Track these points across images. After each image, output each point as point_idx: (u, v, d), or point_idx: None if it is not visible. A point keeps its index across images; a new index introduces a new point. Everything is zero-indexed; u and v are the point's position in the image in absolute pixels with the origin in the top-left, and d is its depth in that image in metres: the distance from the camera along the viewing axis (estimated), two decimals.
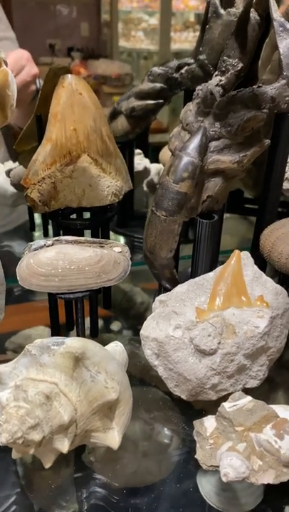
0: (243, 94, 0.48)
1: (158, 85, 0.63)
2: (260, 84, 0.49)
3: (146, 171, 0.82)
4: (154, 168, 0.84)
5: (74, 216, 0.59)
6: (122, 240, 0.77)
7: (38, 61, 0.76)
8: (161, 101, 0.64)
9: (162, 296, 0.48)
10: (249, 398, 0.40)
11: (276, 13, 0.49)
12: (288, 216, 0.64)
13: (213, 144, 0.49)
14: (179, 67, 0.66)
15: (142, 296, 0.73)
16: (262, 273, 0.49)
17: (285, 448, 0.36)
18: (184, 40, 3.38)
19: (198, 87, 0.51)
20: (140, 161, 0.82)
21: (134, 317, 0.69)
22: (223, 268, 0.49)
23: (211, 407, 0.45)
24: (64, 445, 0.37)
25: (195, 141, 0.48)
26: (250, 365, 0.46)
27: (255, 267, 0.49)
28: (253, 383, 0.47)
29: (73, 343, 0.38)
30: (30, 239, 0.79)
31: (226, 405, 0.40)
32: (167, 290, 0.52)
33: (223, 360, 0.44)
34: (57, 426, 0.36)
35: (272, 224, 0.55)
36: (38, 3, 3.50)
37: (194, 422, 0.42)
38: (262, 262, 0.53)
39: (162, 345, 0.45)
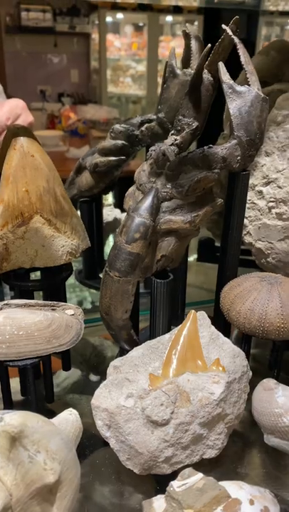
0: (194, 155, 0.48)
1: (119, 142, 0.64)
2: (211, 145, 0.49)
3: (116, 222, 0.82)
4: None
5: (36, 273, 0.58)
6: (87, 294, 0.76)
7: (29, 106, 0.79)
8: (123, 157, 0.65)
9: (116, 361, 0.47)
10: (200, 476, 0.38)
11: (225, 75, 0.50)
12: (254, 264, 0.63)
13: (165, 205, 0.48)
14: (142, 123, 0.67)
15: (113, 351, 0.71)
16: (219, 334, 0.48)
17: None
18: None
19: (152, 148, 0.51)
20: (110, 212, 0.82)
21: (103, 373, 0.66)
22: (179, 330, 0.47)
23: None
24: None
25: (147, 202, 0.48)
26: (207, 434, 0.44)
27: (212, 327, 0.48)
28: (210, 453, 0.44)
29: (12, 420, 0.36)
30: None
31: (175, 484, 0.37)
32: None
33: (176, 430, 0.42)
34: None
35: (232, 280, 0.54)
36: (30, 53, 3.64)
37: (143, 502, 0.39)
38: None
39: (113, 415, 0.43)
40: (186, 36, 0.60)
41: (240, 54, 0.51)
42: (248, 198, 0.61)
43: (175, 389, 0.43)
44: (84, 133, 2.95)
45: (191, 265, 0.96)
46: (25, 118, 0.83)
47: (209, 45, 0.53)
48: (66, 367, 0.57)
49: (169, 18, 3.62)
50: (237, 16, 0.51)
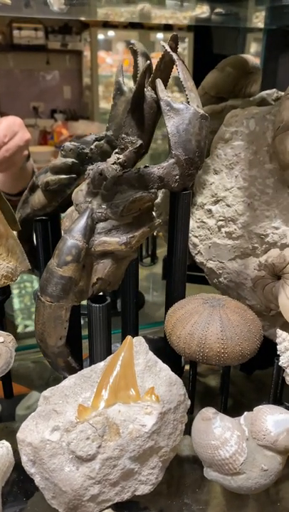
0: (129, 174, 0.47)
1: (69, 160, 0.62)
2: (147, 165, 0.47)
3: None
4: None
5: None
6: None
7: None
8: (74, 175, 0.63)
9: (47, 391, 0.44)
10: None
11: (162, 92, 0.49)
12: (205, 279, 0.61)
13: (100, 226, 0.47)
14: (96, 141, 0.66)
15: None
16: (157, 361, 0.46)
17: None
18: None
19: (89, 167, 0.49)
20: None
21: None
22: (113, 357, 0.45)
23: None
24: None
25: (80, 223, 0.46)
26: (139, 469, 0.41)
27: (150, 353, 0.46)
28: (144, 489, 0.42)
29: None
30: None
31: None
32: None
33: (103, 466, 0.40)
34: None
35: (178, 302, 0.52)
36: (23, 71, 3.67)
37: None
38: None
39: (37, 450, 0.40)
40: (134, 53, 0.59)
41: (178, 71, 0.50)
42: (198, 217, 0.59)
43: (104, 421, 0.40)
44: None
45: (160, 283, 0.94)
46: (22, 136, 0.83)
47: (148, 61, 0.52)
48: (7, 394, 0.55)
49: (160, 35, 3.65)
50: (175, 33, 0.50)
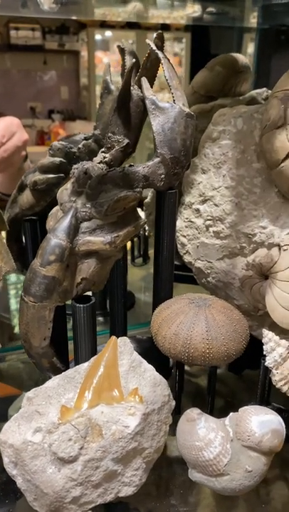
0: (114, 173, 0.46)
1: (57, 160, 0.62)
2: (132, 164, 0.47)
3: None
4: None
5: None
6: None
7: None
8: (62, 175, 0.63)
9: (31, 392, 0.44)
10: None
11: (148, 91, 0.49)
12: (193, 279, 0.61)
13: (84, 225, 0.46)
14: (85, 139, 0.65)
15: None
16: (142, 361, 0.45)
17: None
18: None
19: (75, 166, 0.49)
20: None
21: None
22: (97, 358, 0.45)
23: None
24: None
25: (64, 223, 0.45)
26: (122, 471, 0.41)
27: (135, 354, 0.45)
28: (127, 491, 0.41)
29: None
30: None
31: None
32: None
33: (85, 467, 0.39)
34: None
35: (164, 302, 0.51)
36: (20, 71, 3.67)
37: None
38: None
39: (19, 452, 0.40)
40: (122, 52, 0.59)
41: (164, 69, 0.49)
42: (186, 216, 0.59)
43: (86, 422, 0.40)
44: None
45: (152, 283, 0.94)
46: (20, 136, 0.84)
47: (134, 60, 0.52)
48: None
49: None
50: (160, 31, 0.50)
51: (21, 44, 3.55)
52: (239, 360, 0.56)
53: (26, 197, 0.67)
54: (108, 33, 3.62)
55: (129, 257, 0.92)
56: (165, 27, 3.54)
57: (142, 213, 0.81)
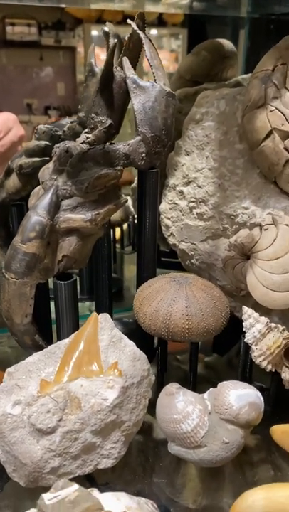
0: (95, 151, 0.47)
1: (42, 143, 0.62)
2: (113, 142, 0.47)
3: None
4: None
5: None
6: None
7: None
8: (47, 158, 0.63)
9: (11, 368, 0.44)
10: (74, 487, 0.35)
11: (129, 70, 0.49)
12: (179, 265, 0.61)
13: (65, 203, 0.47)
14: (72, 123, 0.66)
15: None
16: (122, 337, 0.46)
17: None
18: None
19: (56, 145, 0.49)
20: None
21: None
22: (78, 334, 0.45)
23: None
24: None
25: (45, 200, 0.46)
26: (101, 443, 0.41)
27: (115, 330, 0.46)
28: (106, 463, 0.42)
29: None
30: None
31: (46, 497, 0.35)
32: None
33: (64, 439, 0.40)
34: None
35: (147, 282, 0.52)
36: (16, 67, 3.66)
37: None
38: None
39: None
40: (106, 35, 0.59)
41: (145, 49, 0.50)
42: (170, 198, 0.59)
43: (65, 395, 0.41)
44: None
45: None
46: (17, 132, 0.84)
47: (115, 40, 0.52)
48: None
49: (154, 31, 3.64)
50: (141, 11, 0.50)
51: (17, 40, 3.54)
52: (223, 341, 0.57)
53: (13, 181, 0.67)
54: (105, 29, 3.60)
55: (118, 245, 0.92)
56: (161, 23, 3.54)
57: (129, 199, 0.81)
